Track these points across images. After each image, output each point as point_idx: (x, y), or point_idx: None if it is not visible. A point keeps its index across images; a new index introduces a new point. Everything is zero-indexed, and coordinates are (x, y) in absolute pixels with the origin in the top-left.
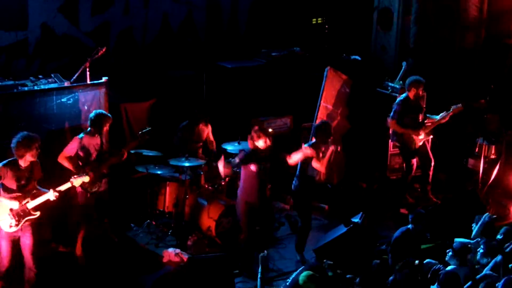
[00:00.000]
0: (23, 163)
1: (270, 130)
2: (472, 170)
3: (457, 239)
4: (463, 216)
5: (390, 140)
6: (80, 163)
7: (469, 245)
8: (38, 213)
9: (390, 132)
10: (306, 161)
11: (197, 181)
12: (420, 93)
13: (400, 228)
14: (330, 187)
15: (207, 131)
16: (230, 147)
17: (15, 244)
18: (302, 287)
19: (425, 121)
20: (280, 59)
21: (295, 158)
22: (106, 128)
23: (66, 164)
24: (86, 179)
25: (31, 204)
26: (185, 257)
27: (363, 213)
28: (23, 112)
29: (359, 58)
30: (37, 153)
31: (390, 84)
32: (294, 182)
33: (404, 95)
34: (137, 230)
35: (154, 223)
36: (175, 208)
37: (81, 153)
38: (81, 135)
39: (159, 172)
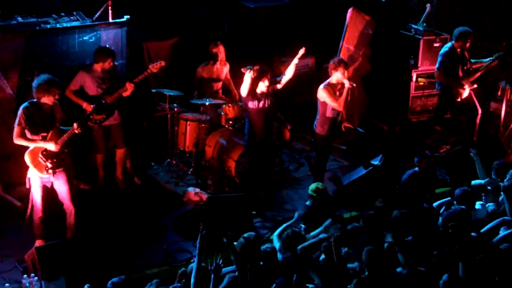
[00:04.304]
0: (42, 103)
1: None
2: (494, 113)
3: (473, 182)
4: (484, 160)
5: (435, 90)
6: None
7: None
8: (68, 149)
9: (435, 81)
10: (325, 102)
11: (217, 121)
12: (468, 45)
13: (407, 171)
14: (361, 131)
15: (226, 71)
16: None
17: (47, 191)
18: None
19: (471, 68)
20: None
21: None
22: (107, 64)
23: (73, 98)
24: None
25: (60, 142)
26: (204, 196)
27: (383, 155)
28: (45, 49)
29: None
30: (54, 99)
31: (413, 26)
32: (314, 122)
33: (449, 44)
34: (157, 169)
35: (174, 162)
36: (195, 148)
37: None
38: (83, 70)
39: (180, 110)
